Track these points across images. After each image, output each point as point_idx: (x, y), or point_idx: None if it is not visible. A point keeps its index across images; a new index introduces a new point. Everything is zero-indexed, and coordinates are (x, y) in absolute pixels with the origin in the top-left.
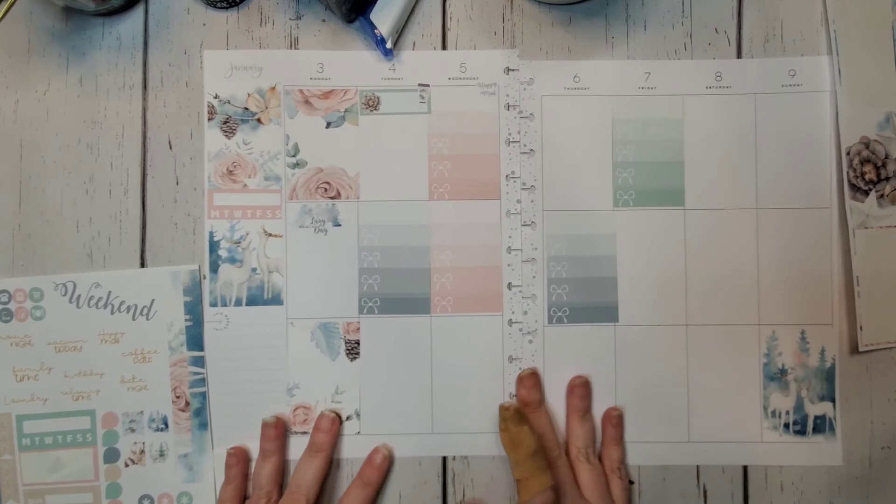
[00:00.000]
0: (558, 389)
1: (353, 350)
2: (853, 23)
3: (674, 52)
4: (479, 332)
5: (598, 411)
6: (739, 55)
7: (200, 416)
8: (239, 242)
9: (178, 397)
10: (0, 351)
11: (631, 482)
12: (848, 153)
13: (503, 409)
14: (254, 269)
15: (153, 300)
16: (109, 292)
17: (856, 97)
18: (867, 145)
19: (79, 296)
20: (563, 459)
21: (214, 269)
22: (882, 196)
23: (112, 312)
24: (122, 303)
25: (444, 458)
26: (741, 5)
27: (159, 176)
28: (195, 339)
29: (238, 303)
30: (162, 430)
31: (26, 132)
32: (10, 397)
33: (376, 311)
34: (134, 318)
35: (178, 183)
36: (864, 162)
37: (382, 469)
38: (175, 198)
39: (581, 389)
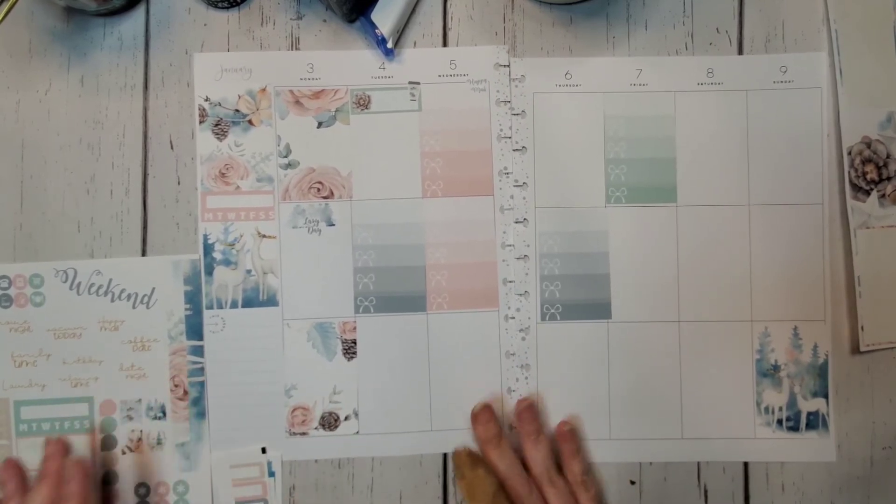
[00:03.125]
0: (551, 387)
1: (349, 350)
2: (854, 22)
3: (675, 51)
4: (476, 329)
5: (592, 409)
6: (741, 55)
7: (198, 406)
8: (233, 245)
9: (176, 386)
10: None
11: (632, 482)
12: (849, 153)
13: (455, 455)
14: (248, 271)
15: (154, 289)
16: (110, 280)
17: (857, 97)
18: (868, 145)
19: (79, 283)
20: (534, 492)
21: (209, 271)
22: (884, 196)
23: (112, 300)
24: (122, 291)
25: (445, 458)
26: (742, 5)
27: (160, 176)
28: (195, 328)
29: (234, 305)
30: (160, 418)
31: (28, 132)
32: (8, 382)
33: (372, 310)
34: (134, 307)
35: (179, 183)
36: (865, 162)
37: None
38: (177, 198)
39: (527, 413)
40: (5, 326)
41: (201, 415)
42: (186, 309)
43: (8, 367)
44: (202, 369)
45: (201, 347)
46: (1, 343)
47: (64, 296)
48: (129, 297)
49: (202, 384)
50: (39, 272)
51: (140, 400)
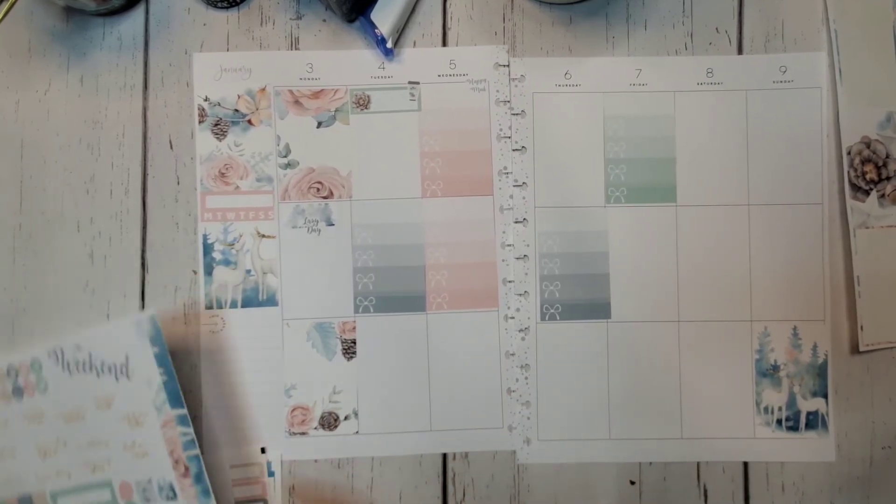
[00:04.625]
0: (551, 387)
1: (349, 349)
2: (854, 22)
3: (674, 51)
4: (476, 329)
5: (592, 409)
6: (740, 55)
7: (201, 483)
8: (233, 244)
9: (176, 462)
10: (20, 429)
11: (632, 482)
12: (849, 153)
13: None
14: (248, 271)
15: (127, 356)
16: (90, 353)
17: (856, 96)
18: (868, 145)
19: (68, 362)
20: None
21: (209, 271)
22: (883, 196)
23: (98, 375)
24: (102, 363)
25: (445, 458)
26: (742, 5)
27: (160, 176)
28: (174, 394)
29: (233, 305)
30: (171, 498)
31: (27, 132)
32: (39, 474)
33: (372, 310)
34: (117, 379)
35: (178, 183)
36: (864, 161)
37: None
38: (176, 197)
39: None
40: (24, 420)
41: (206, 493)
42: (161, 374)
43: (35, 460)
44: (193, 441)
45: (186, 416)
46: (24, 437)
47: (60, 377)
48: (109, 369)
49: (198, 458)
50: (37, 357)
51: (150, 480)
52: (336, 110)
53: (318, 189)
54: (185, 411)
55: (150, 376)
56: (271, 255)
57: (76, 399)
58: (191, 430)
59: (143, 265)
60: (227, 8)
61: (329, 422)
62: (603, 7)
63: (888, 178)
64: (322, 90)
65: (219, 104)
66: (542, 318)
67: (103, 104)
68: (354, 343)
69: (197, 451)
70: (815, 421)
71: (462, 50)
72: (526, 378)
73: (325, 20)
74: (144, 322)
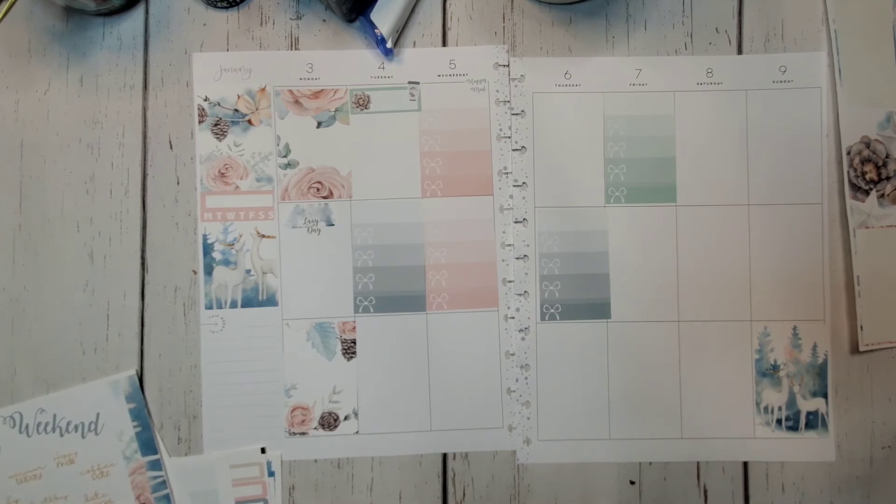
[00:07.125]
0: (551, 387)
1: (349, 349)
2: (854, 22)
3: (674, 51)
4: (476, 328)
5: (592, 409)
6: (740, 55)
7: None
8: (232, 244)
9: None
10: None
11: (632, 482)
12: (849, 153)
13: None
14: (248, 271)
15: (98, 414)
16: (55, 415)
17: (856, 96)
18: (868, 145)
19: (27, 425)
20: None
21: (209, 271)
22: (883, 196)
23: (61, 434)
24: (68, 423)
25: (445, 458)
26: (742, 5)
27: (160, 176)
28: (147, 443)
29: (233, 305)
30: None
31: (27, 132)
32: None
33: (372, 310)
34: (83, 436)
35: (178, 183)
36: (864, 161)
37: None
38: (176, 197)
39: None
40: None
41: None
42: (135, 426)
43: None
44: (164, 482)
45: (158, 461)
46: None
47: (15, 440)
48: (76, 427)
49: (167, 497)
50: None
51: None
52: (336, 110)
53: (318, 189)
54: (157, 456)
55: (121, 430)
56: (271, 255)
57: (34, 459)
58: (162, 472)
59: (143, 265)
60: (227, 8)
61: (329, 422)
62: (603, 7)
63: (888, 178)
64: (322, 90)
65: (219, 104)
66: (542, 318)
67: (103, 104)
68: (354, 343)
69: (167, 490)
70: (815, 421)
71: (462, 50)
72: (526, 378)
73: (325, 20)
74: (122, 381)
